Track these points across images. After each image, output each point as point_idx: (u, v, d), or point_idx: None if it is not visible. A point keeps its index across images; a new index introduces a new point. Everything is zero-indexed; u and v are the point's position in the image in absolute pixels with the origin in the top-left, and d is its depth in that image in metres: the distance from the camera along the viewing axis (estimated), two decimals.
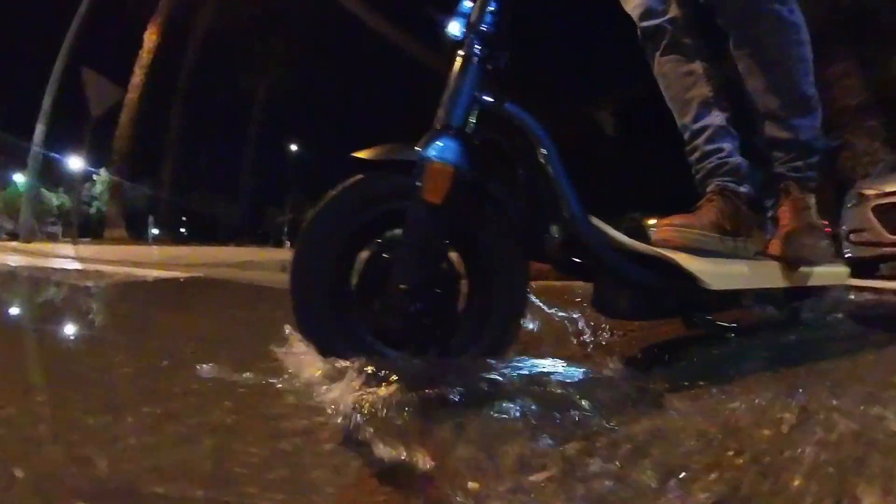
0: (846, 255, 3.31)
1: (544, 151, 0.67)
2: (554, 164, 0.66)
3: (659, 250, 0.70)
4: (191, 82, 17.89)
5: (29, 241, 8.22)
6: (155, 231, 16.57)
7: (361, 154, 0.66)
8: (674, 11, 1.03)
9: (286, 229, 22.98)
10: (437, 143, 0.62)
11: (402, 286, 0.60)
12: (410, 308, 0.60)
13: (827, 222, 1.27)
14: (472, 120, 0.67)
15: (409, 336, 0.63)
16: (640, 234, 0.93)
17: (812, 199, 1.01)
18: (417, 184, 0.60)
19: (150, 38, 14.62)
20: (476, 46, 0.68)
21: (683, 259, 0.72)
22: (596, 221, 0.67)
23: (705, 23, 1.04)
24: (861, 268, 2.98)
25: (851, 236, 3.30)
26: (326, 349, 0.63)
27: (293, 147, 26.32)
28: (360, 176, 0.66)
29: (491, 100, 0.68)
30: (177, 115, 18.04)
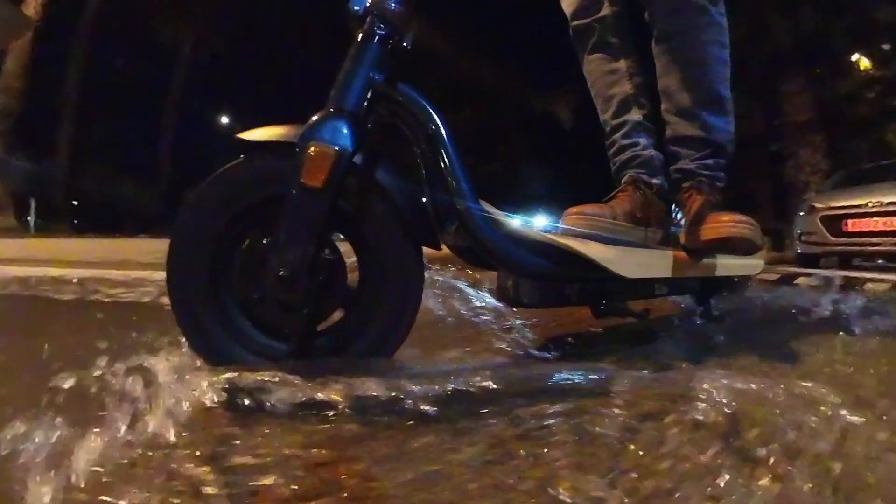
0: (798, 252, 4.66)
1: (434, 133, 0.68)
2: (444, 146, 0.67)
3: (554, 238, 0.73)
4: (97, 28, 13.93)
5: None
6: (31, 219, 12.79)
7: (244, 135, 0.65)
8: (604, 10, 1.08)
9: None
10: (323, 124, 0.62)
11: (280, 273, 0.59)
12: (289, 296, 0.60)
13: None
14: (365, 103, 0.66)
15: (290, 328, 0.63)
16: None
17: (720, 198, 1.05)
18: (298, 166, 0.59)
19: None
20: (378, 25, 0.67)
21: (588, 247, 0.75)
22: (488, 207, 0.68)
23: (633, 23, 1.09)
24: (808, 260, 4.44)
25: (802, 237, 4.57)
26: (209, 348, 0.62)
27: (223, 119, 22.17)
28: (238, 159, 0.64)
29: (385, 81, 0.67)
30: (77, 68, 13.85)
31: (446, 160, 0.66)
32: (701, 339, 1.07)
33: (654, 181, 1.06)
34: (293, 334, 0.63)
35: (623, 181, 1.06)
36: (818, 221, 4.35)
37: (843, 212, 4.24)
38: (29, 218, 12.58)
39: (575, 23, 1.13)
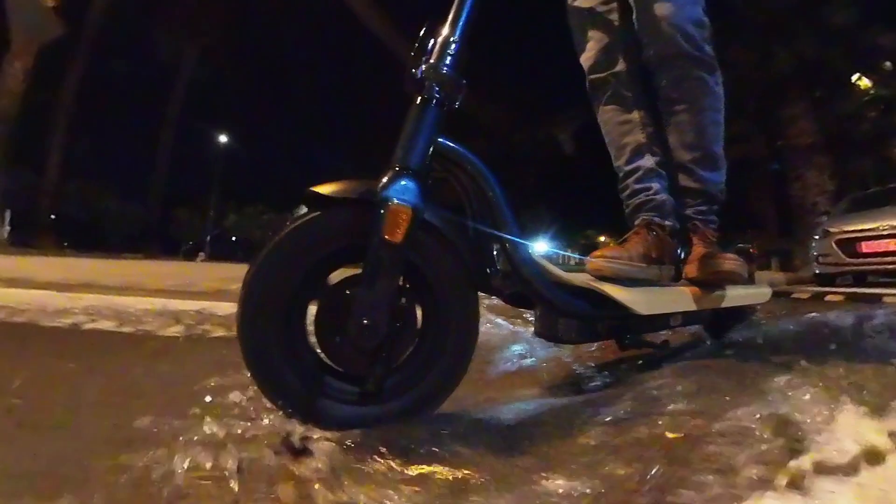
0: (816, 272, 5.36)
1: (489, 190, 0.77)
2: (499, 201, 0.77)
3: (591, 283, 0.84)
4: (99, 37, 13.66)
5: None
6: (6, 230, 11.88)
7: (320, 189, 0.70)
8: (618, 66, 1.22)
9: (209, 240, 19.88)
10: (397, 183, 0.70)
11: (364, 321, 0.66)
12: (370, 343, 0.67)
13: (751, 245, 1.50)
14: (427, 161, 0.75)
15: (364, 372, 0.69)
16: (595, 249, 1.08)
17: (714, 238, 1.22)
18: (378, 223, 0.67)
19: None
20: (435, 89, 0.75)
21: (614, 289, 0.87)
22: (536, 257, 0.78)
23: (646, 78, 1.22)
24: (826, 279, 5.20)
25: (820, 259, 5.29)
26: (276, 389, 0.67)
27: (222, 138, 22.03)
28: (317, 213, 0.70)
29: (442, 140, 0.76)
30: (74, 77, 13.45)
31: (501, 215, 0.76)
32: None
33: (667, 223, 1.18)
34: (372, 378, 0.69)
35: (637, 223, 1.18)
36: (833, 244, 5.01)
37: (857, 235, 4.88)
38: (6, 227, 11.94)
39: (592, 76, 1.26)
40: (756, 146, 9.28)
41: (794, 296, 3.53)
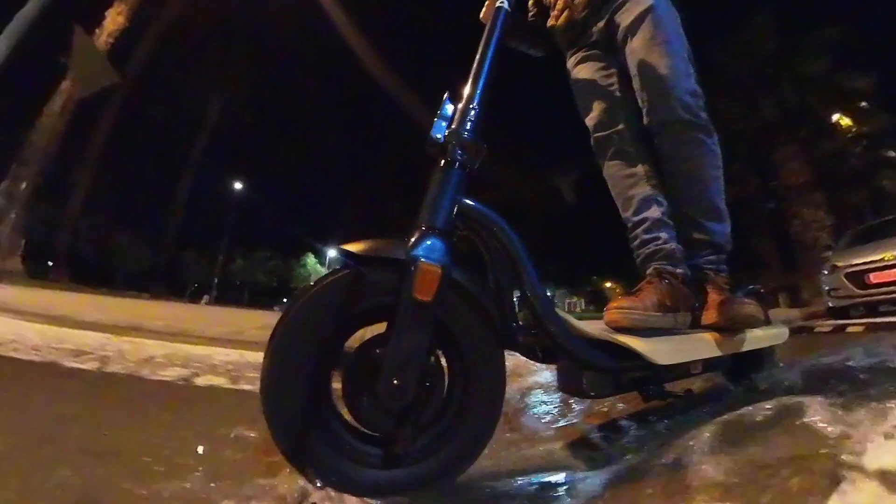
0: (829, 305, 5.50)
1: (510, 246, 0.79)
2: (523, 260, 0.79)
3: (613, 336, 0.85)
4: (134, 84, 14.53)
5: None
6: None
7: (350, 247, 0.72)
8: (621, 125, 1.32)
9: (216, 283, 20.25)
10: (425, 242, 0.72)
11: (394, 381, 0.66)
12: (399, 404, 0.66)
13: (762, 285, 1.53)
14: (452, 221, 0.77)
15: (392, 434, 0.68)
16: (601, 296, 1.10)
17: (726, 285, 1.25)
18: (407, 282, 0.68)
19: (114, 19, 11.43)
20: (458, 152, 0.80)
21: (634, 341, 0.87)
22: (561, 313, 0.80)
23: (647, 137, 1.31)
24: (838, 312, 5.30)
25: (831, 293, 5.47)
26: (304, 455, 0.65)
27: (236, 185, 23.05)
28: (347, 270, 0.71)
29: (465, 201, 0.79)
30: (108, 121, 14.11)
31: (524, 270, 0.78)
32: None
33: (679, 270, 1.20)
34: (400, 440, 0.67)
35: (648, 273, 1.21)
36: (843, 278, 5.25)
37: (864, 267, 5.10)
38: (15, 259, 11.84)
39: (596, 135, 1.35)
40: (749, 187, 9.70)
41: (816, 330, 3.66)
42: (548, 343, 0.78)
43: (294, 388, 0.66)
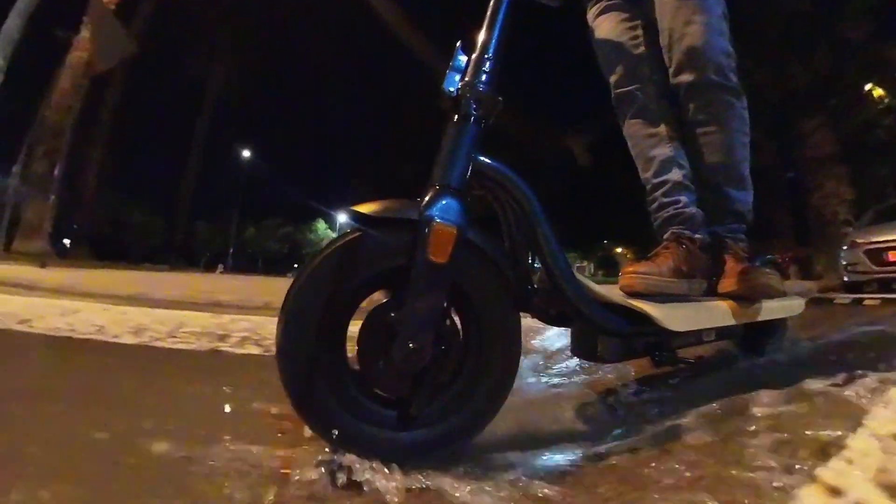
0: (845, 279, 5.95)
1: (529, 207, 0.76)
2: (539, 219, 0.76)
3: (629, 301, 0.83)
4: (136, 57, 13.33)
5: None
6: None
7: (361, 209, 0.69)
8: (644, 82, 1.24)
9: (231, 252, 20.24)
10: (439, 202, 0.69)
11: (411, 345, 0.65)
12: (415, 367, 0.66)
13: (778, 255, 1.50)
14: (467, 179, 0.74)
15: (408, 397, 0.68)
16: (611, 261, 1.08)
17: (745, 254, 1.22)
18: (421, 243, 0.67)
19: None
20: (473, 106, 0.75)
21: (648, 306, 0.86)
22: (578, 276, 0.78)
23: (671, 97, 1.23)
24: (854, 286, 5.70)
25: (849, 268, 5.90)
26: (323, 420, 0.65)
27: (245, 153, 22.26)
28: (359, 233, 0.69)
29: (480, 157, 0.75)
30: (113, 95, 13.46)
31: (542, 232, 0.75)
32: None
33: (697, 236, 1.17)
34: (416, 403, 0.68)
35: (665, 237, 1.17)
36: (861, 254, 5.64)
37: (884, 245, 5.46)
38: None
39: (617, 91, 1.28)
40: (768, 155, 9.35)
41: (836, 301, 3.87)
42: (564, 306, 0.77)
43: (308, 353, 0.65)
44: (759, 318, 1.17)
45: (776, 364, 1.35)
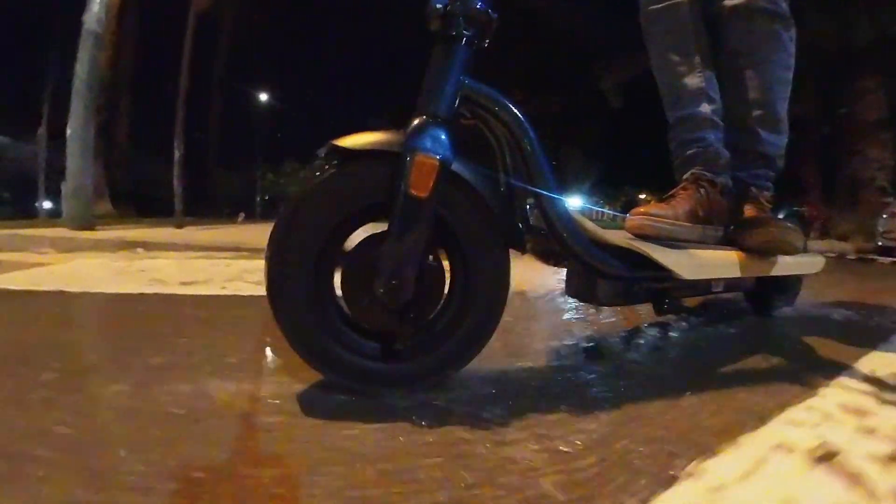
0: (878, 244, 6.46)
1: (522, 137, 0.70)
2: (534, 149, 0.70)
3: (633, 243, 0.78)
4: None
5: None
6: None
7: (341, 142, 0.66)
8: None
9: (258, 200, 20.02)
10: (423, 132, 0.64)
11: (392, 281, 0.64)
12: (397, 303, 0.65)
13: (809, 209, 1.41)
14: (455, 107, 0.68)
15: (394, 332, 0.68)
16: (632, 206, 1.02)
17: (768, 205, 1.14)
18: (403, 176, 0.63)
19: None
20: (463, 25, 0.68)
21: (656, 251, 0.81)
22: (573, 213, 0.73)
23: (708, 19, 1.10)
24: (886, 251, 6.19)
25: (884, 235, 6.48)
26: (311, 350, 0.66)
27: (262, 97, 20.82)
28: (339, 168, 0.66)
29: (471, 83, 0.69)
30: (130, 43, 11.94)
31: (536, 166, 0.70)
32: None
33: (719, 180, 1.08)
34: (399, 337, 0.68)
35: (685, 178, 1.08)
36: None
37: None
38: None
39: (649, 7, 1.13)
40: (808, 107, 8.75)
41: (880, 262, 4.24)
42: (558, 246, 0.72)
43: (296, 289, 0.65)
44: (773, 273, 1.11)
45: (784, 321, 1.31)
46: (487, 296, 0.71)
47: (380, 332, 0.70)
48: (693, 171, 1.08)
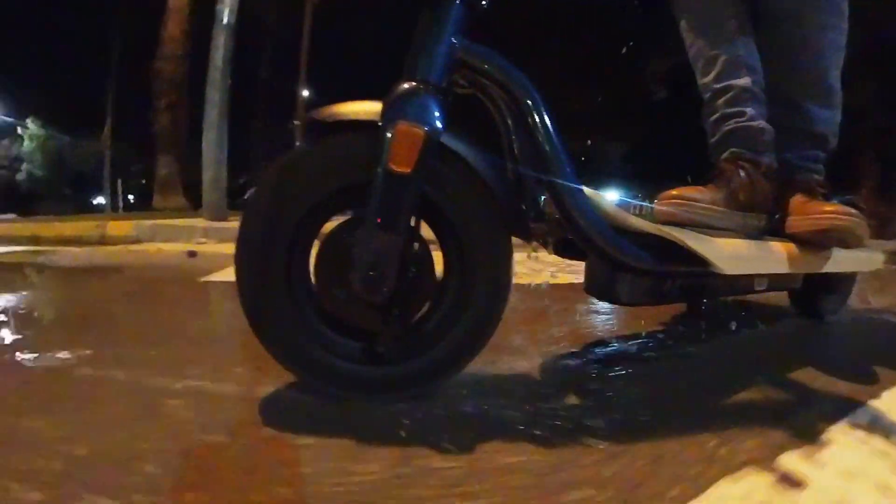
0: None
1: (529, 104, 0.60)
2: (541, 118, 0.60)
3: (664, 229, 0.65)
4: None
5: None
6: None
7: (319, 114, 0.59)
8: None
9: None
10: (408, 101, 0.56)
11: (370, 272, 0.56)
12: (377, 297, 0.57)
13: (859, 199, 1.23)
14: (449, 72, 0.60)
15: (377, 329, 0.60)
16: None
17: (821, 189, 0.98)
18: (383, 149, 0.55)
19: None
20: None
21: (692, 239, 0.68)
22: (590, 193, 0.62)
23: None
24: None
25: None
26: (280, 347, 0.60)
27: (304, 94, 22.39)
28: (312, 144, 0.60)
29: (467, 46, 0.61)
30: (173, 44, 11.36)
31: (544, 134, 0.59)
32: None
33: (763, 160, 0.93)
34: (383, 336, 0.60)
35: (723, 158, 0.95)
36: None
37: None
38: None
39: None
40: (866, 92, 8.07)
41: None
42: (570, 233, 0.61)
43: (263, 280, 0.59)
44: (827, 270, 0.96)
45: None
46: (486, 290, 0.61)
47: (361, 332, 0.62)
48: (733, 149, 0.94)
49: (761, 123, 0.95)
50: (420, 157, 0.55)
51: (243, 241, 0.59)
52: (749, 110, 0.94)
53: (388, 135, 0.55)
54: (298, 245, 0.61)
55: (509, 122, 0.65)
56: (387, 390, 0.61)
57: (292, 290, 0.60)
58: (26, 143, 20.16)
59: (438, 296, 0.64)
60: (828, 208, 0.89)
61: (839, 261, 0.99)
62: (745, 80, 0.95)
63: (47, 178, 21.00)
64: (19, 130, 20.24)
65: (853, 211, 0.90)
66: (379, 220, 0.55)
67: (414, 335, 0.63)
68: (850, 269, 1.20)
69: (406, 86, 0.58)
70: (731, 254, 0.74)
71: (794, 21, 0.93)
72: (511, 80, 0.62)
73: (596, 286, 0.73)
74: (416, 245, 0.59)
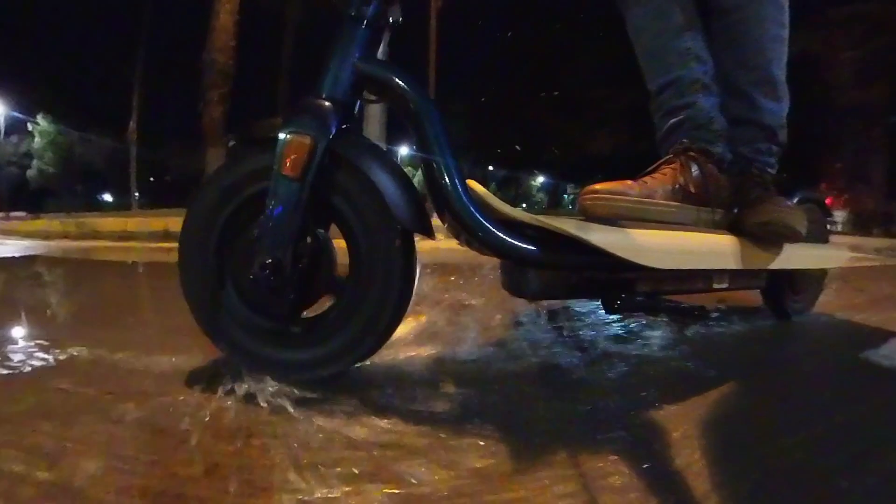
0: None
1: (418, 109, 0.67)
2: (429, 122, 0.66)
3: (543, 219, 0.66)
4: None
5: None
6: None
7: (246, 131, 0.72)
8: None
9: None
10: (300, 113, 0.65)
11: (267, 259, 0.64)
12: (273, 281, 0.64)
13: (824, 196, 1.22)
14: (351, 87, 0.69)
15: (277, 309, 0.68)
16: None
17: (770, 183, 0.97)
18: (276, 157, 0.64)
19: None
20: (364, 6, 0.68)
21: (585, 230, 0.67)
22: (478, 189, 0.67)
23: None
24: None
25: None
26: (214, 333, 0.70)
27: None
28: (231, 158, 0.72)
29: (369, 62, 0.69)
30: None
31: (430, 136, 0.66)
32: None
33: (714, 150, 0.92)
34: (278, 315, 0.68)
35: (672, 150, 0.91)
36: None
37: None
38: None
39: None
40: (874, 92, 7.83)
41: None
42: (452, 224, 0.66)
43: (201, 275, 0.70)
44: (778, 266, 0.94)
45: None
46: (381, 285, 0.66)
47: (276, 317, 0.70)
48: (683, 139, 0.92)
49: (712, 113, 0.95)
50: (307, 163, 0.63)
51: (183, 238, 0.71)
52: (700, 101, 0.95)
53: (280, 143, 0.64)
54: (225, 240, 0.70)
55: (407, 121, 0.71)
56: (296, 371, 0.68)
57: (220, 277, 0.70)
58: (37, 139, 20.07)
59: (341, 290, 0.70)
60: (772, 201, 0.88)
61: (791, 258, 0.97)
62: (694, 72, 0.95)
63: (58, 174, 20.77)
64: (29, 127, 20.10)
65: (793, 207, 0.89)
66: (272, 220, 0.64)
67: (320, 324, 0.70)
68: (809, 266, 1.16)
69: (304, 101, 0.67)
70: (656, 247, 0.72)
71: (738, 12, 0.95)
72: (408, 89, 0.68)
73: (507, 282, 0.76)
74: (309, 239, 0.67)
